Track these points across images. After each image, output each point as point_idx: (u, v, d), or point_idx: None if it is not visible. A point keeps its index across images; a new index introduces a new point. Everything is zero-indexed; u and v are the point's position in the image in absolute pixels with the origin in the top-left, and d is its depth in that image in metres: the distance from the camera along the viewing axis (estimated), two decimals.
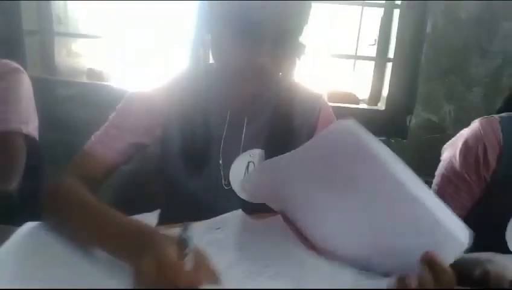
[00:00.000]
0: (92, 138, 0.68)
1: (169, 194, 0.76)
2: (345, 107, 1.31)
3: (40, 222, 0.53)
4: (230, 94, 0.69)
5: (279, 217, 0.64)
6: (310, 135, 0.73)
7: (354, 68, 1.95)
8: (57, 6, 1.33)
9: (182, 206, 0.70)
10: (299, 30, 0.62)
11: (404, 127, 1.31)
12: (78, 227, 0.51)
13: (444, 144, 0.82)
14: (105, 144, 0.66)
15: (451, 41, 1.25)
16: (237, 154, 0.73)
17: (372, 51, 1.41)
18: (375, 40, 1.35)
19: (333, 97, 1.32)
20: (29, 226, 0.52)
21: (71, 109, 1.23)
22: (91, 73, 1.55)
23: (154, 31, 1.48)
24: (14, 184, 0.76)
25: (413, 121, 1.31)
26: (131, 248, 0.45)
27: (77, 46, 1.53)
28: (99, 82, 1.42)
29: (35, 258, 0.48)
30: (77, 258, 0.48)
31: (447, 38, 1.25)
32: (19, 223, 0.52)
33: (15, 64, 0.84)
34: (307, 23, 0.63)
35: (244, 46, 0.58)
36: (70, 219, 0.52)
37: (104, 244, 0.48)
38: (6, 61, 0.84)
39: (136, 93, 0.71)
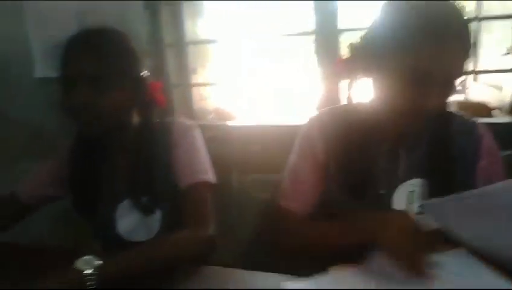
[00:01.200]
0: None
1: (327, 220, 0.81)
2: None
3: None
4: (391, 129, 0.77)
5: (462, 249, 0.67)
6: (474, 163, 0.76)
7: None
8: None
9: None
10: (462, 72, 0.66)
11: None
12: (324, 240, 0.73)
13: None
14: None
15: None
16: (396, 185, 0.79)
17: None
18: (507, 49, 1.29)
19: (463, 107, 1.29)
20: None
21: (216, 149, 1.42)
22: (218, 112, 1.73)
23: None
24: (215, 230, 0.83)
25: None
26: (372, 229, 0.65)
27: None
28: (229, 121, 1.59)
29: None
30: None
31: None
32: None
33: (189, 122, 1.00)
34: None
35: (416, 92, 0.65)
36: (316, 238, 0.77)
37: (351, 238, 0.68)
38: (181, 120, 1.01)
39: (308, 129, 0.86)
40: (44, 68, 1.57)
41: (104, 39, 0.87)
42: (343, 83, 0.82)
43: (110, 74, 0.84)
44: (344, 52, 1.22)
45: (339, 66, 0.83)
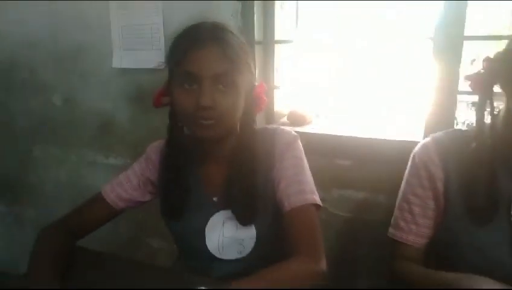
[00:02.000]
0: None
1: (450, 246, 0.80)
2: None
3: None
4: None
5: None
6: None
7: None
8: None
9: (464, 260, 0.76)
10: None
11: None
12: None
13: None
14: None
15: None
16: None
17: None
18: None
19: None
20: None
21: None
22: (293, 115, 1.63)
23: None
24: (325, 263, 0.74)
25: None
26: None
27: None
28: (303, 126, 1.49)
29: None
30: None
31: None
32: None
33: (292, 132, 0.90)
34: None
35: None
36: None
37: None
38: (284, 128, 0.91)
39: (424, 155, 0.82)
40: (122, 59, 1.52)
41: (231, 35, 0.79)
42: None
43: (236, 72, 0.77)
44: (473, 63, 1.08)
45: (474, 80, 0.76)
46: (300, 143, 0.89)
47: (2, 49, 1.80)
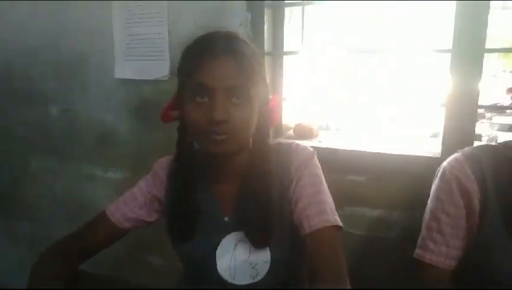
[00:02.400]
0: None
1: (483, 267, 0.76)
2: None
3: None
4: None
5: None
6: None
7: None
8: None
9: (499, 283, 0.72)
10: None
11: None
12: None
13: None
14: None
15: None
16: None
17: None
18: None
19: None
20: None
21: None
22: (299, 128, 1.59)
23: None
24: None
25: None
26: None
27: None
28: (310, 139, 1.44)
29: None
30: None
31: None
32: None
33: (308, 147, 0.85)
34: None
35: None
36: None
37: None
38: (299, 143, 0.86)
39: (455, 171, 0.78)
40: (124, 69, 1.47)
41: (245, 45, 0.75)
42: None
43: (251, 85, 0.72)
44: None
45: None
46: (317, 160, 0.84)
47: None
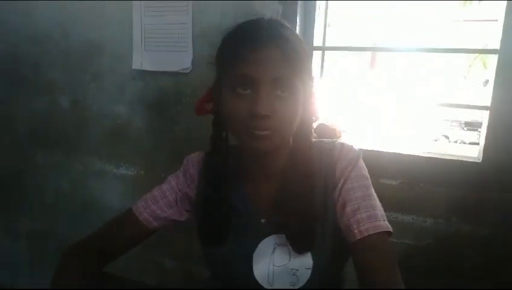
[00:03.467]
0: None
1: None
2: None
3: None
4: None
5: None
6: None
7: None
8: None
9: None
10: None
11: None
12: None
13: None
14: None
15: None
16: None
17: None
18: None
19: None
20: None
21: None
22: (322, 129, 1.53)
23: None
24: None
25: None
26: None
27: None
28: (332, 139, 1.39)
29: None
30: None
31: None
32: None
33: (354, 147, 0.80)
34: None
35: None
36: None
37: None
38: (344, 143, 0.81)
39: None
40: (143, 60, 1.40)
41: (291, 33, 0.69)
42: None
43: (297, 76, 0.67)
44: None
45: None
46: (363, 161, 0.78)
47: (4, 42, 1.66)
